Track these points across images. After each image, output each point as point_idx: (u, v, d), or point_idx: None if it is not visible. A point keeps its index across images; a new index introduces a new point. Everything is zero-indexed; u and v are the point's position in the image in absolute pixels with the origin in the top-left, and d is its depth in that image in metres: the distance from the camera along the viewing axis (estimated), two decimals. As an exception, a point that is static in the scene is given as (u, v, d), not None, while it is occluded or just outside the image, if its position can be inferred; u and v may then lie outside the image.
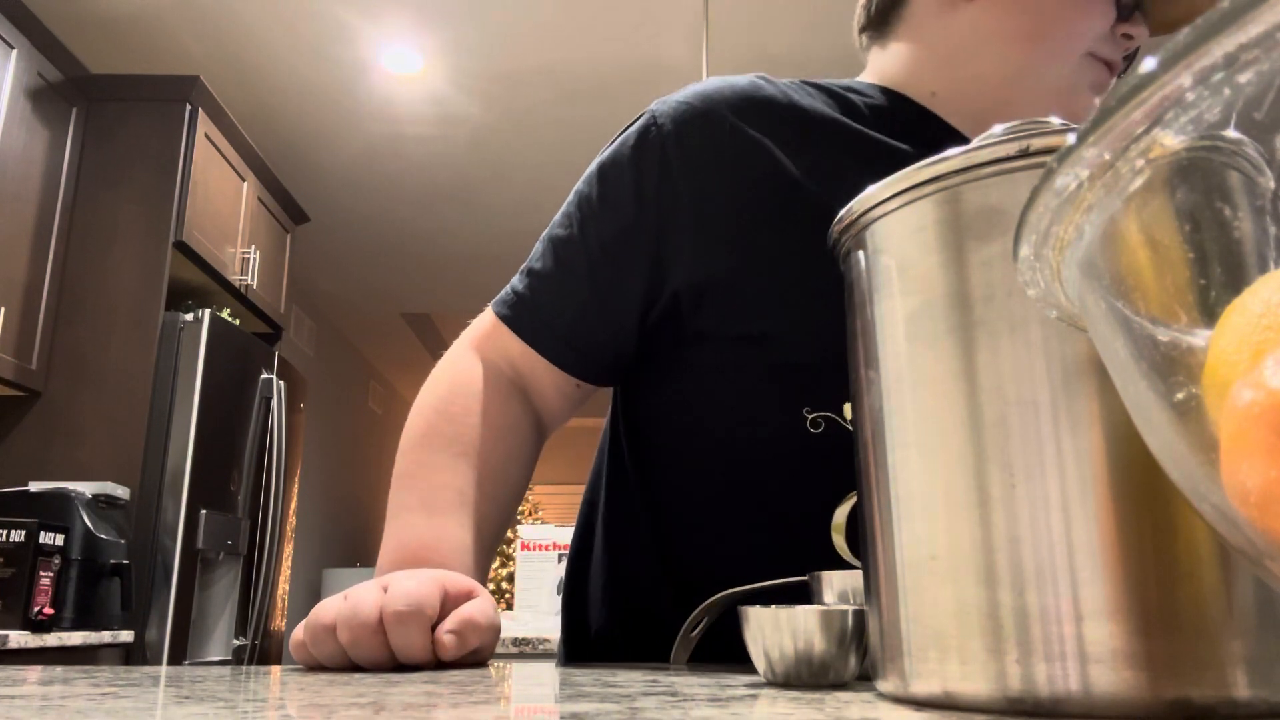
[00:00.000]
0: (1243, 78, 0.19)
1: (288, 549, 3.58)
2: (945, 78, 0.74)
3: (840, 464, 0.54)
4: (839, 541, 0.57)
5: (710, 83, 0.72)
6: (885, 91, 0.75)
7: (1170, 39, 0.19)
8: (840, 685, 0.43)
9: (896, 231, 0.40)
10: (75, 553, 2.49)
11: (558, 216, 0.76)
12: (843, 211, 0.43)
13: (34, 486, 2.62)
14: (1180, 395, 0.23)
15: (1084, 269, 0.26)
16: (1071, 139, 0.23)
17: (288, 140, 3.86)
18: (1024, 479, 0.33)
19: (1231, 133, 0.21)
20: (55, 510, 2.51)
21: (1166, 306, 0.24)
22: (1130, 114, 0.21)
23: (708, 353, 0.69)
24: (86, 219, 2.99)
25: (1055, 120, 0.38)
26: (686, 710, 0.33)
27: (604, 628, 0.77)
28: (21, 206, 2.75)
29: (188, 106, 3.08)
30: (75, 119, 3.01)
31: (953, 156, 0.37)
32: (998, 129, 0.38)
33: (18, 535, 2.35)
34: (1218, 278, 0.24)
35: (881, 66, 0.78)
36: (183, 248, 3.02)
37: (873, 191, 0.40)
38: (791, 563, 0.59)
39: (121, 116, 3.07)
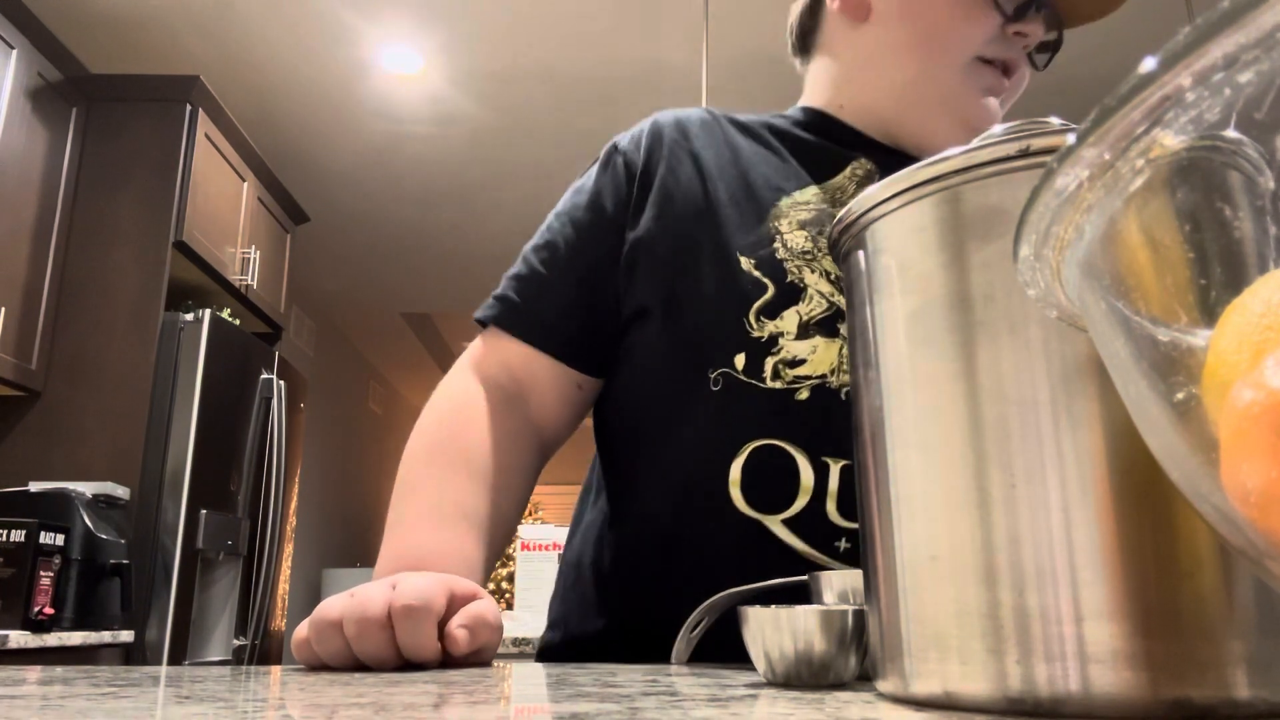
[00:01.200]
0: (1243, 78, 0.19)
1: (288, 549, 3.58)
2: (852, 90, 0.83)
3: (737, 413, 0.69)
4: (736, 496, 0.67)
5: (658, 113, 0.85)
6: (805, 110, 0.85)
7: (1170, 39, 0.19)
8: (840, 685, 0.43)
9: (896, 231, 0.40)
10: (75, 553, 2.49)
11: (533, 238, 0.83)
12: (843, 212, 0.43)
13: (34, 486, 2.62)
14: (1180, 395, 0.23)
15: (1084, 269, 0.26)
16: (1071, 139, 0.23)
17: (288, 140, 3.86)
18: (1024, 479, 0.33)
19: (1231, 133, 0.21)
20: (55, 510, 2.51)
21: (1166, 306, 0.24)
22: (1130, 114, 0.21)
23: (636, 333, 0.76)
24: (86, 219, 2.99)
25: (1055, 120, 0.38)
26: (686, 710, 0.33)
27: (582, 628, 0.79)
28: (21, 206, 2.75)
29: (188, 106, 3.08)
30: (75, 119, 3.01)
31: (953, 156, 0.37)
32: (997, 129, 0.38)
33: (18, 535, 2.35)
34: (1218, 278, 0.24)
35: (808, 87, 0.88)
36: (183, 248, 3.02)
37: (873, 191, 0.40)
38: (703, 523, 0.69)
39: (121, 116, 3.07)
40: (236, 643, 3.09)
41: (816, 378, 0.69)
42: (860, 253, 0.42)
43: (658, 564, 0.72)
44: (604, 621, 0.76)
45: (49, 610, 2.36)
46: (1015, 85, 0.81)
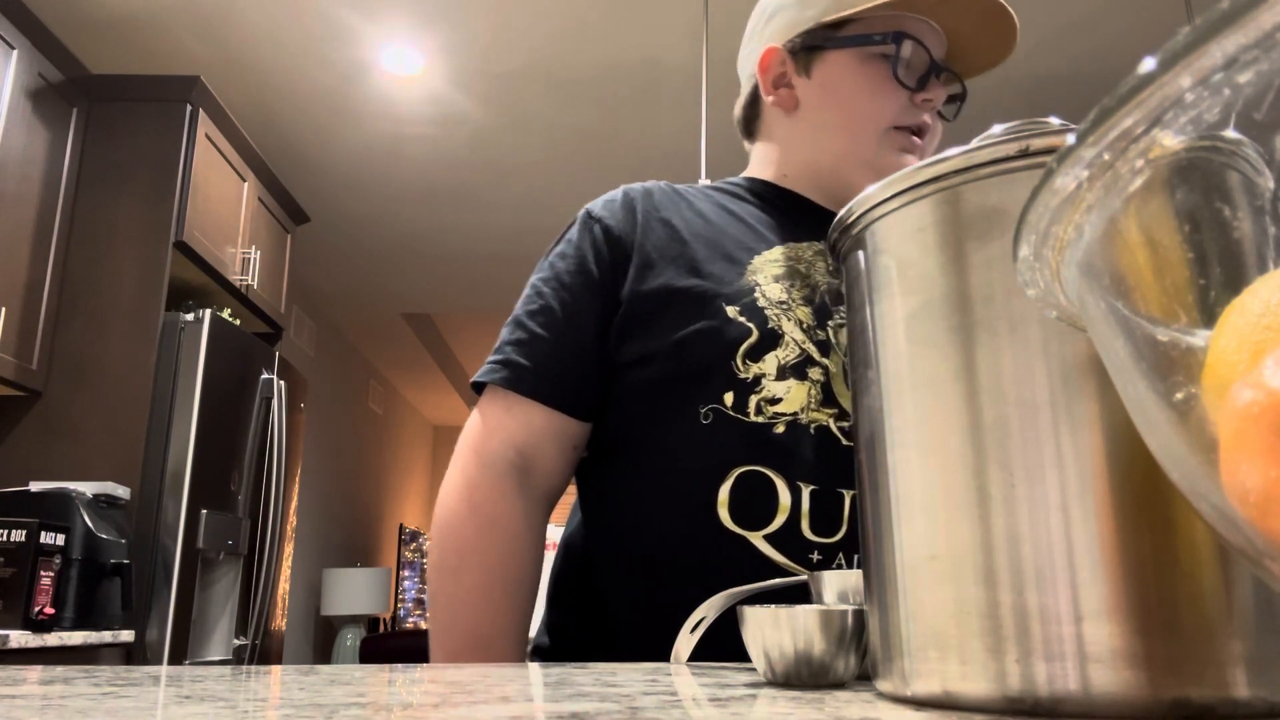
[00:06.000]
0: (1242, 78, 0.19)
1: (288, 549, 3.58)
2: (791, 164, 0.96)
3: (725, 443, 0.77)
4: (724, 515, 0.75)
5: (625, 186, 0.95)
6: (756, 180, 0.98)
7: (1170, 40, 0.19)
8: (840, 685, 0.43)
9: (896, 231, 0.40)
10: (76, 553, 2.49)
11: (517, 306, 0.89)
12: (843, 211, 0.43)
13: (34, 486, 2.62)
14: (1180, 395, 0.23)
15: (1084, 269, 0.26)
16: (1071, 139, 0.23)
17: (288, 140, 3.86)
18: (1024, 479, 0.33)
19: (1231, 133, 0.21)
20: (55, 510, 2.51)
21: (1166, 306, 0.24)
22: (1130, 114, 0.21)
23: (635, 374, 0.83)
24: (86, 219, 2.99)
25: (1055, 120, 0.38)
26: (686, 710, 0.33)
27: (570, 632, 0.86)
28: (22, 207, 2.75)
29: (188, 107, 3.08)
30: (75, 119, 3.01)
31: (953, 156, 0.37)
32: (997, 129, 0.38)
33: (18, 535, 2.35)
34: (1218, 278, 0.24)
35: (755, 161, 1.02)
36: (183, 248, 3.02)
37: (873, 192, 0.40)
38: (692, 535, 0.76)
39: (122, 117, 3.07)
40: (237, 642, 3.09)
41: (790, 414, 0.78)
42: (860, 253, 0.42)
43: (653, 573, 0.78)
44: (595, 630, 0.82)
45: (49, 610, 2.36)
46: (929, 140, 0.93)
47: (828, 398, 0.79)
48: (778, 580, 0.59)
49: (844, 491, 0.76)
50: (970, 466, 0.35)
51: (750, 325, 0.80)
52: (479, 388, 0.87)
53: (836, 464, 0.76)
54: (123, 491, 2.73)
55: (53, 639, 2.29)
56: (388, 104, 3.60)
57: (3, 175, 2.64)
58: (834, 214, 0.90)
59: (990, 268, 0.36)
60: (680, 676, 0.48)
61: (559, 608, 0.88)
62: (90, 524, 2.54)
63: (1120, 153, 0.23)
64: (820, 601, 0.53)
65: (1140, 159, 0.23)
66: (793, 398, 0.78)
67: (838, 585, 0.52)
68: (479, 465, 0.84)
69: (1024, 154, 0.36)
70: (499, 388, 0.85)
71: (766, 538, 0.75)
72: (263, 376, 3.31)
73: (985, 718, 0.32)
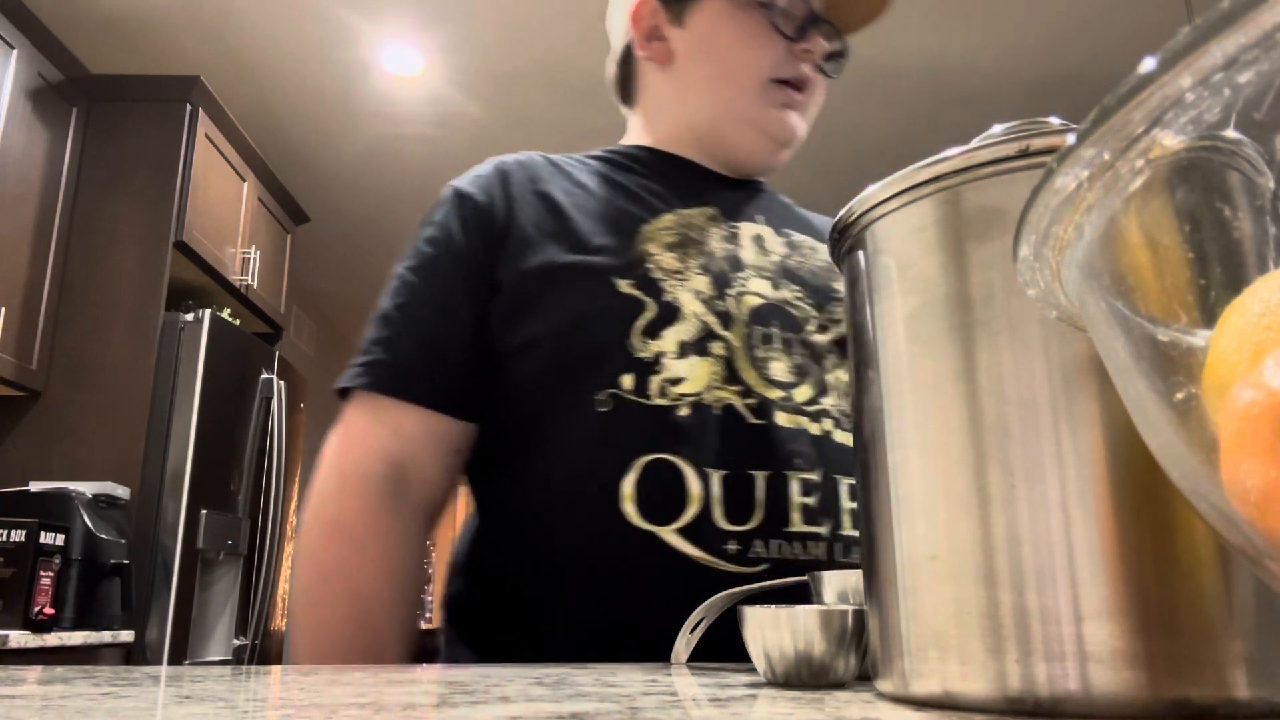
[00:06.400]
0: (1243, 78, 0.19)
1: (288, 549, 3.58)
2: (671, 126, 0.91)
3: (626, 431, 0.70)
4: (630, 510, 0.69)
5: (496, 158, 0.89)
6: (637, 147, 0.93)
7: (1172, 39, 0.19)
8: (840, 685, 0.43)
9: (896, 231, 0.40)
10: (75, 553, 2.48)
11: (383, 299, 0.81)
12: (843, 211, 0.43)
13: (34, 486, 2.62)
14: (1180, 395, 0.23)
15: (1084, 269, 0.26)
16: (1071, 139, 0.23)
17: (288, 140, 3.85)
18: (1024, 479, 0.33)
19: (1231, 133, 0.21)
20: (55, 510, 2.51)
21: (1166, 306, 0.24)
22: (1130, 114, 0.21)
23: (519, 365, 0.76)
24: (86, 219, 2.99)
25: (1055, 120, 0.38)
26: (686, 710, 0.33)
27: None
28: (21, 206, 2.75)
29: (188, 106, 3.08)
30: (75, 119, 3.01)
31: (953, 156, 0.37)
32: (997, 129, 0.37)
33: (18, 535, 2.35)
34: (1218, 278, 0.24)
35: (634, 126, 0.97)
36: (183, 248, 3.02)
37: (873, 191, 0.40)
38: (598, 537, 0.69)
39: (121, 117, 3.07)
40: (237, 642, 3.09)
41: (694, 395, 0.72)
42: (860, 253, 0.42)
43: (560, 583, 0.71)
44: (507, 652, 0.73)
45: (49, 610, 2.36)
46: (811, 96, 0.89)
47: (731, 374, 0.73)
48: (777, 580, 0.59)
49: (755, 474, 0.70)
50: (970, 466, 0.35)
51: (645, 299, 0.74)
52: (345, 395, 0.78)
53: (745, 445, 0.71)
54: (122, 491, 2.73)
55: (52, 639, 2.29)
56: (388, 104, 3.60)
57: (3, 175, 2.64)
58: (721, 176, 0.90)
59: (990, 268, 0.36)
60: (680, 676, 0.48)
61: (461, 630, 0.79)
62: (90, 524, 2.54)
63: (1120, 153, 0.23)
64: (820, 602, 0.53)
65: (1140, 159, 0.23)
66: (696, 376, 0.72)
67: (838, 585, 0.52)
68: (342, 482, 0.75)
69: (1024, 154, 0.36)
70: (364, 392, 0.77)
71: (678, 531, 0.68)
72: (262, 376, 3.31)
73: (985, 718, 0.32)
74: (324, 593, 0.73)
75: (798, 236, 0.88)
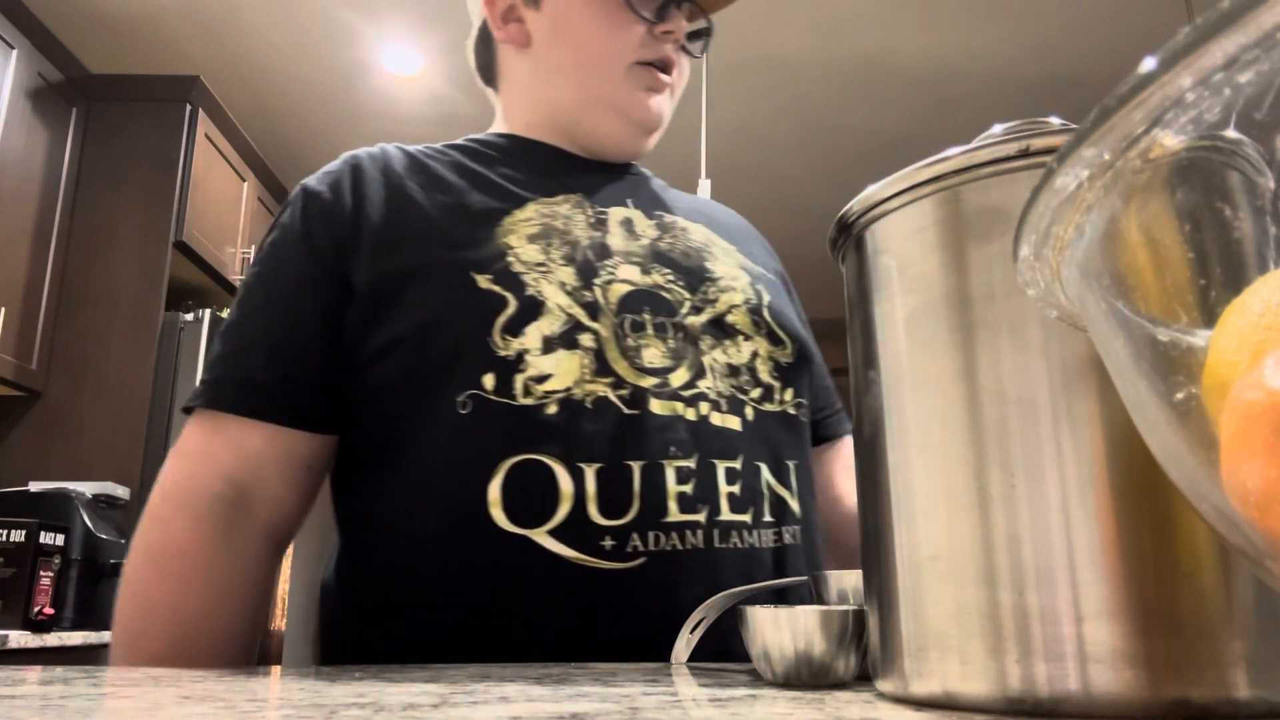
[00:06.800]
0: (1243, 78, 0.19)
1: (288, 549, 3.58)
2: (532, 111, 0.89)
3: (489, 433, 0.68)
4: (497, 515, 0.66)
5: (349, 153, 0.85)
6: (499, 135, 0.90)
7: (1170, 39, 0.19)
8: (840, 685, 0.43)
9: (896, 231, 0.40)
10: (75, 553, 2.48)
11: (231, 309, 0.78)
12: (843, 211, 0.43)
13: (34, 486, 2.62)
14: (1180, 395, 0.23)
15: (1084, 269, 0.26)
16: (1071, 139, 0.23)
17: (288, 140, 3.86)
18: (1024, 479, 0.33)
19: (1231, 133, 0.21)
20: (55, 510, 2.51)
21: (1166, 306, 0.24)
22: (1130, 114, 0.21)
23: (376, 372, 0.73)
24: (86, 219, 2.99)
25: (1055, 120, 0.38)
26: (686, 710, 0.33)
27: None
28: (21, 206, 2.75)
29: (188, 106, 3.08)
30: (75, 119, 3.01)
31: (953, 156, 0.37)
32: (997, 129, 0.37)
33: (18, 535, 2.35)
34: (1218, 278, 0.24)
35: (499, 113, 0.94)
36: (183, 248, 3.02)
37: (873, 191, 0.40)
38: (467, 546, 0.66)
39: (121, 116, 3.07)
40: (236, 643, 3.09)
41: (562, 391, 0.69)
42: (860, 253, 0.42)
43: (428, 596, 0.68)
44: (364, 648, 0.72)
45: (49, 610, 2.36)
46: (677, 78, 0.86)
47: (602, 366, 0.70)
48: (777, 580, 0.59)
49: (632, 464, 0.67)
50: (971, 466, 0.35)
51: (506, 294, 0.71)
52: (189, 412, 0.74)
53: (620, 436, 0.68)
54: (122, 491, 2.73)
55: (52, 639, 2.29)
56: (388, 104, 3.60)
57: (3, 175, 2.64)
58: (587, 161, 0.87)
59: (991, 268, 0.36)
60: (680, 677, 0.48)
61: (337, 654, 0.75)
62: (90, 524, 2.54)
63: (1121, 153, 0.23)
64: (821, 601, 0.53)
65: (1140, 159, 0.23)
66: (563, 372, 0.69)
67: (838, 585, 0.52)
68: (173, 508, 0.70)
69: (1024, 154, 0.36)
70: (205, 410, 0.73)
71: (551, 532, 0.66)
72: (262, 376, 3.30)
73: (985, 718, 0.32)
74: (144, 627, 0.69)
75: (669, 217, 0.85)
